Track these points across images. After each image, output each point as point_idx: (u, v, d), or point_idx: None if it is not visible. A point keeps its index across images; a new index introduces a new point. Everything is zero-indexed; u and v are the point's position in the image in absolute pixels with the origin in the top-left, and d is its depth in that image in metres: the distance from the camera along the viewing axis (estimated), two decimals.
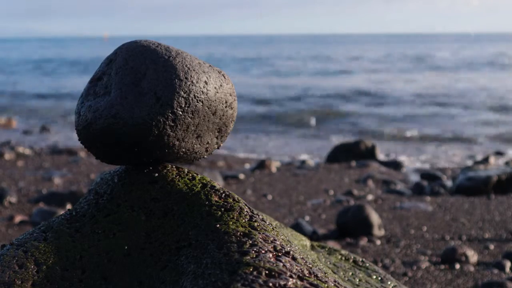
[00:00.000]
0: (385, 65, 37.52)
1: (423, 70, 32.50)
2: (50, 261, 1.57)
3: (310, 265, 1.48)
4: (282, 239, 1.57)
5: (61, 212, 5.29)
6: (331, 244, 4.50)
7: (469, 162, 9.56)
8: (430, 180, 7.63)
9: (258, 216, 1.62)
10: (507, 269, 4.09)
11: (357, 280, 1.86)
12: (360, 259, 2.06)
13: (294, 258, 1.45)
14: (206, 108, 1.66)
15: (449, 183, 7.26)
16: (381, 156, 9.77)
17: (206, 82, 1.65)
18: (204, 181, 1.71)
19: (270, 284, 1.29)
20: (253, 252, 1.41)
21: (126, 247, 1.59)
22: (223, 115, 1.73)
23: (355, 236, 4.83)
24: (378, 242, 4.73)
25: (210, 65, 1.71)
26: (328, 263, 1.92)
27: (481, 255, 4.41)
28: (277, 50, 66.32)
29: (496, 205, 5.99)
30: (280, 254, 1.44)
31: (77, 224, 1.68)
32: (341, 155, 9.39)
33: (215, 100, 1.68)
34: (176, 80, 1.60)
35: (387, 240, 4.80)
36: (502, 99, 19.09)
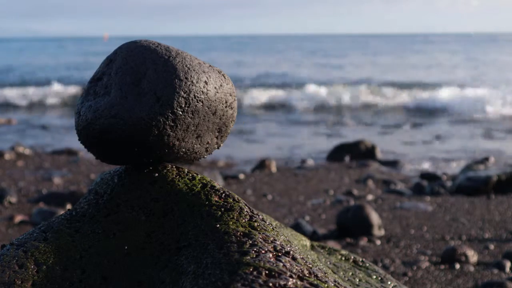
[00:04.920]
0: None
1: None
2: (50, 261, 1.57)
3: (310, 265, 1.48)
4: (282, 239, 1.57)
5: (61, 212, 5.28)
6: (331, 244, 4.49)
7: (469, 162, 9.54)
8: (430, 180, 7.62)
9: (258, 216, 1.62)
10: (507, 269, 4.09)
11: (357, 280, 1.86)
12: (360, 259, 2.06)
13: (294, 258, 1.45)
14: (206, 108, 1.66)
15: (449, 183, 7.26)
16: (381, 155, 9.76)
17: (206, 82, 1.65)
18: (204, 181, 1.71)
19: (270, 284, 1.29)
20: (253, 252, 1.41)
21: (126, 247, 1.59)
22: (223, 115, 1.73)
23: (355, 236, 4.83)
24: (378, 242, 4.72)
25: (210, 65, 1.71)
26: (328, 263, 1.92)
27: (481, 255, 4.40)
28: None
29: (496, 205, 5.99)
30: (280, 254, 1.44)
31: (77, 224, 1.68)
32: (341, 155, 9.39)
33: (215, 100, 1.68)
34: (176, 80, 1.60)
35: (387, 240, 4.79)
36: None
